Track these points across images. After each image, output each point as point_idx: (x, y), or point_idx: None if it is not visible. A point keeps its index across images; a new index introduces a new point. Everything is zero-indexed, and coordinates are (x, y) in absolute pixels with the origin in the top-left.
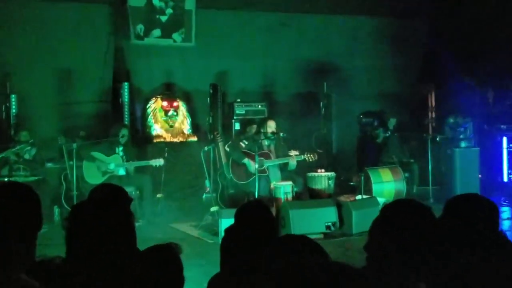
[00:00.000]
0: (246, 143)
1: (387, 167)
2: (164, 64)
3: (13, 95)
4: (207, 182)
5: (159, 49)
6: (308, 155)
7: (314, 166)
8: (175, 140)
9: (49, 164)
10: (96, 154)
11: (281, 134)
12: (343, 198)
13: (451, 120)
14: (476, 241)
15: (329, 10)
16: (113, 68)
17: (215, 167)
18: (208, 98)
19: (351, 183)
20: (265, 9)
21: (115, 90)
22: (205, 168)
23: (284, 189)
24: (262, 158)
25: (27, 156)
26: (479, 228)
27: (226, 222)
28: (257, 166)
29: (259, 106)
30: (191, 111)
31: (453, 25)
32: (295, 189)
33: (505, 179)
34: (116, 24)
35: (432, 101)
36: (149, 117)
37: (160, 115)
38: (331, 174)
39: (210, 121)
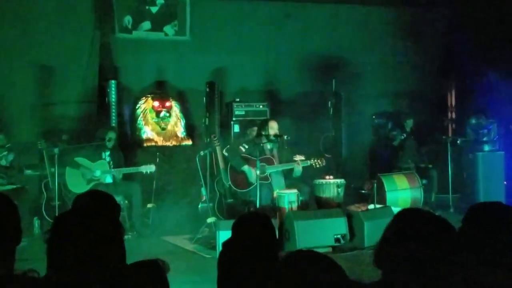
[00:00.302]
0: (246, 147)
1: (403, 173)
2: (155, 60)
3: None
4: (203, 191)
5: (149, 43)
6: (315, 161)
7: (321, 173)
8: (168, 144)
9: (28, 171)
10: (80, 160)
11: (285, 137)
12: (353, 208)
13: (474, 121)
14: (499, 254)
15: None
16: (98, 65)
17: (212, 174)
18: (204, 98)
19: (363, 191)
20: None
21: (101, 89)
22: (201, 175)
23: (289, 197)
24: (264, 164)
25: (3, 163)
26: (503, 240)
27: (225, 234)
28: (258, 172)
29: (261, 107)
30: (186, 112)
31: (476, 14)
32: (300, 197)
33: None
34: (101, 16)
35: (452, 99)
36: (139, 118)
37: (151, 116)
38: (341, 181)
39: (207, 123)
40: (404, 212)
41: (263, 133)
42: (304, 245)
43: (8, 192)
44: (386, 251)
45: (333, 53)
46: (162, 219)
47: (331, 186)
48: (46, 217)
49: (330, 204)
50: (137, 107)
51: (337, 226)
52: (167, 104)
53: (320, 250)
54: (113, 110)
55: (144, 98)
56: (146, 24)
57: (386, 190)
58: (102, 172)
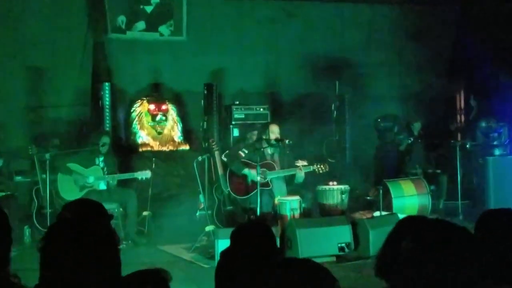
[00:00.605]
0: (246, 152)
1: (410, 178)
2: (151, 61)
3: None
4: (201, 198)
5: (144, 44)
6: (318, 166)
7: (325, 178)
8: (164, 149)
9: (18, 178)
10: (73, 166)
11: (287, 142)
12: (358, 215)
13: (484, 124)
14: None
15: None
16: (91, 66)
17: (211, 180)
18: (202, 101)
19: (368, 198)
20: None
21: (94, 91)
22: (198, 181)
23: (290, 204)
24: (264, 169)
25: None
26: None
27: (223, 243)
28: (258, 178)
29: (261, 110)
30: (183, 116)
31: (486, 12)
32: (303, 204)
33: None
34: (94, 16)
35: (461, 102)
36: (134, 122)
37: (147, 120)
38: (345, 187)
39: (205, 126)
40: (406, 220)
41: (264, 137)
42: (306, 254)
43: None
44: (388, 260)
45: (336, 54)
46: (158, 228)
47: (335, 192)
48: (38, 225)
49: (334, 211)
50: (132, 111)
51: (341, 235)
52: (163, 107)
53: (324, 260)
54: (107, 114)
55: (139, 101)
56: (141, 24)
57: (392, 196)
58: (95, 178)
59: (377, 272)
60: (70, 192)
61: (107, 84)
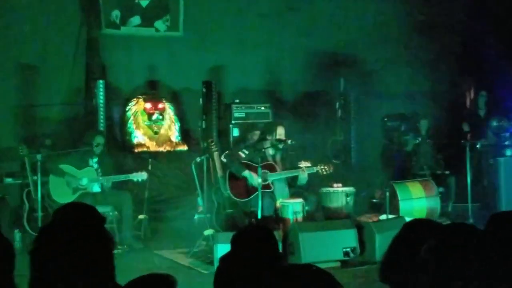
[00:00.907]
0: (247, 152)
1: (418, 180)
2: (147, 58)
3: None
4: (199, 200)
5: (140, 40)
6: (322, 167)
7: (329, 180)
8: (161, 149)
9: (8, 180)
10: (66, 167)
11: (289, 142)
12: (364, 219)
13: (495, 124)
14: None
15: None
16: (85, 63)
17: (209, 182)
18: (201, 99)
19: (374, 200)
20: None
21: (88, 89)
22: (197, 183)
23: (293, 207)
24: (266, 171)
25: None
26: None
27: (223, 248)
28: (259, 180)
29: (262, 108)
30: (180, 115)
31: (497, 6)
32: (306, 207)
33: None
34: (88, 11)
35: (471, 100)
36: (129, 122)
37: (143, 119)
38: (350, 189)
39: (203, 126)
40: (412, 223)
41: (269, 138)
42: (310, 259)
43: None
44: (393, 265)
45: (341, 49)
46: (155, 232)
47: (340, 195)
48: (29, 229)
49: (338, 215)
50: (127, 109)
51: (346, 239)
52: (160, 106)
53: (328, 265)
54: (101, 113)
55: (135, 99)
56: (136, 19)
57: (399, 199)
58: (89, 180)
59: (382, 278)
60: (62, 195)
61: (101, 81)
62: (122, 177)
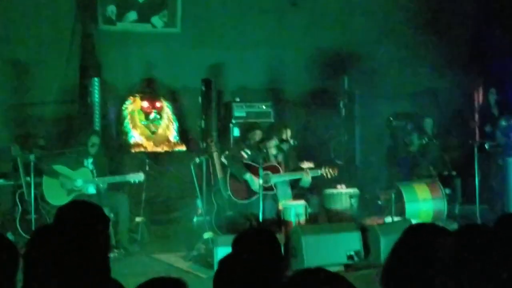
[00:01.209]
0: (249, 153)
1: (424, 181)
2: (144, 55)
3: None
4: (198, 202)
5: (136, 36)
6: (327, 170)
7: (332, 181)
8: (159, 149)
9: (0, 181)
10: (60, 168)
11: (291, 142)
12: (369, 221)
13: (504, 123)
14: None
15: None
16: (80, 61)
17: (209, 184)
18: (200, 97)
19: (379, 202)
20: None
21: (83, 87)
22: (196, 185)
23: (295, 210)
24: (268, 172)
25: None
26: None
27: (223, 251)
28: (261, 181)
29: (263, 107)
30: (178, 114)
31: (506, 3)
32: (308, 210)
33: None
34: (82, 6)
35: (479, 99)
36: (126, 121)
37: (140, 118)
38: (354, 191)
39: (202, 125)
40: (414, 227)
41: (275, 138)
42: (312, 263)
43: None
44: (395, 271)
45: (345, 47)
46: (152, 235)
47: (344, 196)
48: (21, 232)
49: (342, 217)
50: (123, 108)
51: (350, 242)
52: (158, 104)
53: (331, 269)
54: (97, 112)
55: (131, 97)
56: (132, 15)
57: (405, 201)
58: (84, 181)
59: (384, 284)
60: (56, 197)
61: (96, 79)
62: (118, 178)
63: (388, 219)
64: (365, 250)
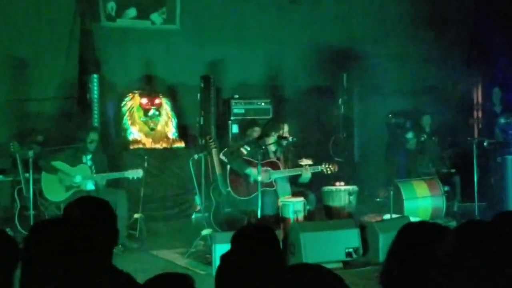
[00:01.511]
0: (248, 149)
1: (422, 179)
2: (143, 52)
3: None
4: (197, 199)
5: (135, 32)
6: (327, 166)
7: (331, 178)
8: (157, 146)
9: None
10: (58, 164)
11: (290, 139)
12: (367, 218)
13: (503, 121)
14: None
15: None
16: (78, 57)
17: (208, 180)
18: (199, 94)
19: (378, 199)
20: None
21: (82, 84)
22: (194, 181)
23: (294, 207)
24: (268, 169)
25: None
26: None
27: (221, 248)
28: (259, 178)
29: (262, 104)
30: (177, 110)
31: (507, 0)
32: (307, 206)
33: None
34: (82, 2)
35: (478, 96)
36: (125, 117)
37: (138, 115)
38: (353, 188)
39: (201, 122)
40: (412, 226)
41: (274, 134)
42: (311, 260)
43: None
44: (392, 270)
45: (344, 44)
46: (151, 231)
47: (342, 193)
48: (20, 228)
49: (340, 214)
50: (122, 105)
51: (349, 239)
52: (157, 101)
53: (330, 266)
54: (95, 108)
55: (130, 94)
56: (131, 11)
57: (404, 198)
58: (82, 177)
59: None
60: (55, 193)
61: (95, 76)
62: (117, 175)
63: (387, 216)
64: (364, 247)
